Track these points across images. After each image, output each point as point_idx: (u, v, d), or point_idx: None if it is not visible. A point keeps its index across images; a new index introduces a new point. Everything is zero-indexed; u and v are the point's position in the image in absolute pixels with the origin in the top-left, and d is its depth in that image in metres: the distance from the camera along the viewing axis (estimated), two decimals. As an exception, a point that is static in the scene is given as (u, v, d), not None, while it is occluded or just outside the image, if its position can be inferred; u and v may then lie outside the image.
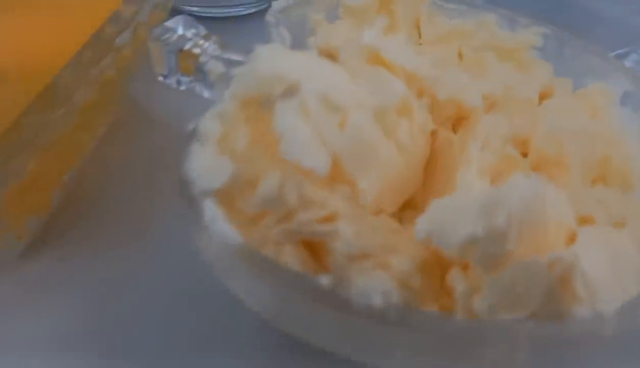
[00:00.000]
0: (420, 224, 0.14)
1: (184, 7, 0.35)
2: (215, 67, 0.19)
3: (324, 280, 0.14)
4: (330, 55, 0.20)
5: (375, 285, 0.15)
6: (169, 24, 0.20)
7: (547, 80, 0.22)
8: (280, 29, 0.21)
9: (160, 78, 0.21)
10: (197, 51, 0.20)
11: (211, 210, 0.14)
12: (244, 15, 0.36)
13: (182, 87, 0.21)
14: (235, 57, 0.20)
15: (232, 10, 0.35)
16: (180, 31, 0.20)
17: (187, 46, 0.20)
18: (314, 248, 0.17)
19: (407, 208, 0.19)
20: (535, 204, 0.14)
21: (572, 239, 0.16)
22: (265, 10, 0.34)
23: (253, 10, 0.36)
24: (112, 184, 0.24)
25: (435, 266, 0.16)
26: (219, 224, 0.14)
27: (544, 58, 0.23)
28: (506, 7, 0.32)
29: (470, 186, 0.16)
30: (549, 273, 0.14)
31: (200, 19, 0.35)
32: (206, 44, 0.20)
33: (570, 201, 0.16)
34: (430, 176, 0.20)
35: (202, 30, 0.20)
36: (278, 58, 0.16)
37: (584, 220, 0.16)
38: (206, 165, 0.15)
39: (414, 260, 0.16)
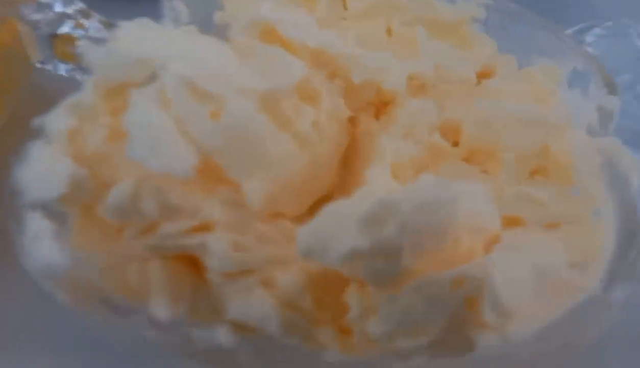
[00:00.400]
0: (301, 236, 0.12)
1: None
2: (87, 51, 0.16)
3: (163, 315, 0.11)
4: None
5: (253, 308, 0.13)
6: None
7: (489, 57, 0.19)
8: (174, 2, 0.18)
9: (38, 64, 0.18)
10: (76, 33, 0.17)
11: (35, 226, 0.12)
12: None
13: (64, 74, 0.18)
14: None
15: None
16: (57, 8, 0.17)
17: (65, 28, 0.17)
18: (195, 261, 0.14)
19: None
20: (439, 211, 0.11)
21: (492, 247, 0.13)
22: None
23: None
24: None
25: (333, 282, 0.13)
26: (41, 244, 0.11)
27: (487, 33, 0.20)
28: None
29: (373, 185, 0.13)
30: (453, 293, 0.11)
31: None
32: (87, 23, 0.17)
33: (495, 201, 0.14)
34: (349, 170, 0.17)
35: (81, 6, 0.17)
36: (144, 38, 0.14)
37: (511, 222, 0.14)
38: (42, 170, 0.12)
39: (305, 275, 0.13)
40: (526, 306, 0.11)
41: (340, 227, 0.11)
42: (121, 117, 0.14)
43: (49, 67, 0.18)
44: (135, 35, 0.14)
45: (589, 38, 0.30)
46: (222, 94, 0.13)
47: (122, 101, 0.14)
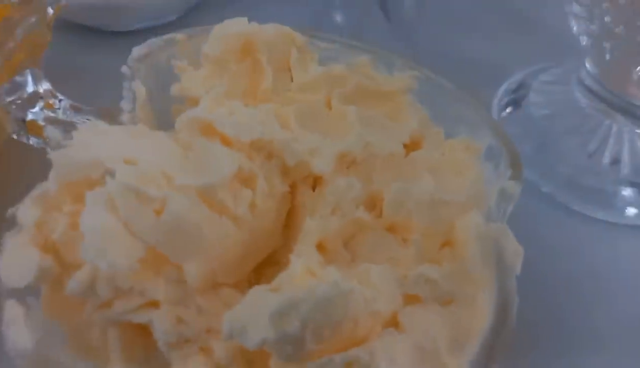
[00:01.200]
0: (225, 322, 0.14)
1: (88, 23, 0.34)
2: (54, 135, 0.18)
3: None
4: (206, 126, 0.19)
5: (191, 374, 0.15)
6: (17, 78, 0.20)
7: (418, 129, 0.22)
8: (133, 83, 0.20)
9: (13, 135, 0.20)
10: (45, 115, 0.19)
11: (10, 312, 0.14)
12: (160, 25, 0.35)
13: (35, 145, 0.20)
14: (86, 119, 0.19)
15: (141, 23, 0.34)
16: (29, 88, 0.20)
17: (36, 108, 0.19)
18: (147, 327, 0.17)
19: (270, 265, 0.19)
20: (335, 306, 0.14)
21: (392, 323, 0.16)
22: (182, 20, 0.33)
23: (169, 19, 0.35)
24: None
25: (259, 353, 0.16)
26: (15, 328, 0.14)
27: (420, 102, 0.22)
28: (454, 17, 0.32)
29: (295, 271, 0.16)
30: (346, 372, 0.14)
31: (104, 33, 0.34)
32: (57, 103, 0.20)
33: (399, 283, 0.16)
34: (292, 232, 0.20)
35: (49, 88, 0.20)
36: (96, 141, 0.16)
37: (411, 299, 0.16)
38: (14, 259, 0.15)
39: (236, 346, 0.16)
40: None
41: (255, 319, 0.14)
42: (81, 206, 0.16)
43: (22, 139, 0.20)
44: (88, 139, 0.16)
45: (545, 77, 0.32)
46: (161, 195, 0.15)
47: (81, 191, 0.17)
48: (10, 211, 0.16)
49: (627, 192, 0.28)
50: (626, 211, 0.27)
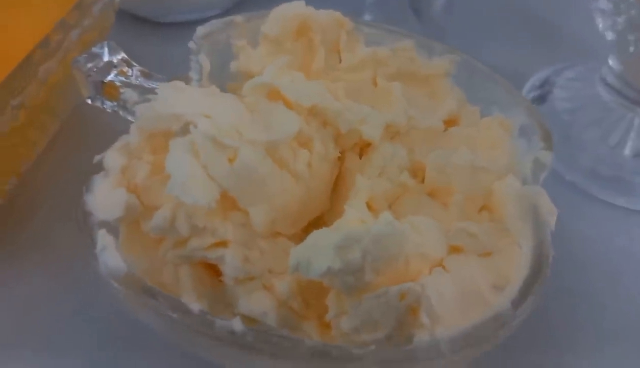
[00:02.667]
0: (292, 255, 0.16)
1: (141, 14, 0.36)
2: (131, 97, 0.20)
3: (194, 307, 0.15)
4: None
5: (256, 305, 0.17)
6: (95, 50, 0.22)
7: (455, 108, 0.23)
8: (200, 56, 0.22)
9: (87, 100, 0.22)
10: (119, 80, 0.21)
11: (102, 240, 0.16)
12: (204, 19, 0.38)
13: (108, 110, 0.22)
14: (155, 84, 0.21)
15: (187, 15, 0.37)
16: (105, 57, 0.22)
17: (111, 75, 0.21)
18: (214, 267, 0.18)
19: (316, 227, 0.21)
20: (390, 243, 0.16)
21: (438, 266, 0.17)
22: (224, 15, 0.36)
23: (215, 13, 0.37)
24: (52, 194, 0.26)
25: (316, 289, 0.18)
26: (108, 253, 0.16)
27: (457, 84, 0.24)
28: (481, 22, 0.34)
29: (349, 218, 0.18)
30: (400, 302, 0.16)
31: (155, 24, 0.37)
32: (130, 71, 0.22)
33: (444, 233, 0.18)
34: (338, 196, 0.22)
35: (125, 57, 0.22)
36: (177, 97, 0.18)
37: (454, 249, 0.18)
38: (104, 197, 0.17)
39: (296, 283, 0.17)
40: (452, 314, 0.16)
41: (320, 251, 0.16)
42: (159, 156, 0.18)
43: (97, 103, 0.22)
44: (171, 95, 0.18)
45: (570, 73, 0.34)
46: (235, 145, 0.17)
47: (160, 143, 0.19)
48: (97, 157, 0.18)
49: (647, 182, 0.29)
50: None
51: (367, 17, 0.40)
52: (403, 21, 0.40)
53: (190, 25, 0.37)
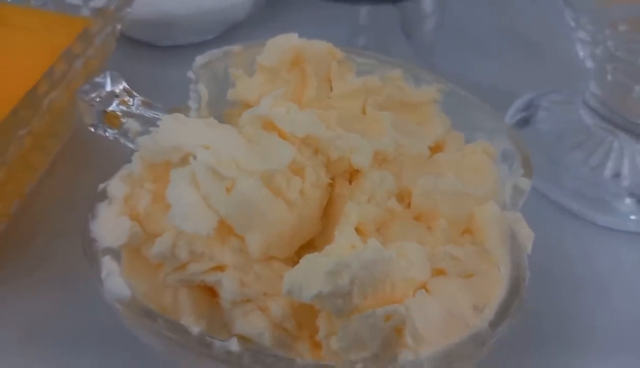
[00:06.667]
0: (285, 280, 0.17)
1: (138, 37, 0.38)
2: (133, 127, 0.21)
3: (194, 329, 0.16)
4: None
5: (252, 326, 0.18)
6: (98, 79, 0.23)
7: (442, 134, 0.25)
8: (198, 86, 0.23)
9: (90, 128, 0.23)
10: (121, 109, 0.22)
11: (107, 266, 0.17)
12: (199, 43, 0.39)
13: (110, 137, 0.23)
14: (155, 114, 0.22)
15: (184, 40, 0.38)
16: (108, 87, 0.23)
17: (113, 104, 0.23)
18: (212, 289, 0.19)
19: (308, 249, 0.22)
20: (377, 268, 0.17)
21: (422, 288, 0.18)
22: (219, 38, 0.37)
23: (211, 36, 0.39)
24: (55, 214, 0.27)
25: (309, 310, 0.19)
26: (112, 279, 0.17)
27: (444, 111, 0.25)
28: (469, 42, 0.35)
29: (339, 243, 0.19)
30: (385, 323, 0.17)
31: (154, 48, 0.38)
32: (131, 101, 0.23)
33: (427, 258, 0.19)
34: (328, 221, 0.23)
35: (126, 87, 0.23)
36: (178, 129, 0.19)
37: (438, 272, 0.19)
38: (108, 225, 0.18)
39: (289, 305, 0.19)
40: (434, 334, 0.17)
41: (311, 276, 0.17)
42: (160, 184, 0.20)
43: (99, 131, 0.23)
44: (172, 128, 0.19)
45: (545, 102, 0.35)
46: (233, 175, 0.18)
47: (160, 172, 0.20)
48: (101, 186, 0.19)
49: (627, 202, 0.31)
50: (627, 218, 0.30)
51: (360, 39, 0.42)
52: (394, 42, 0.41)
53: (187, 48, 0.38)
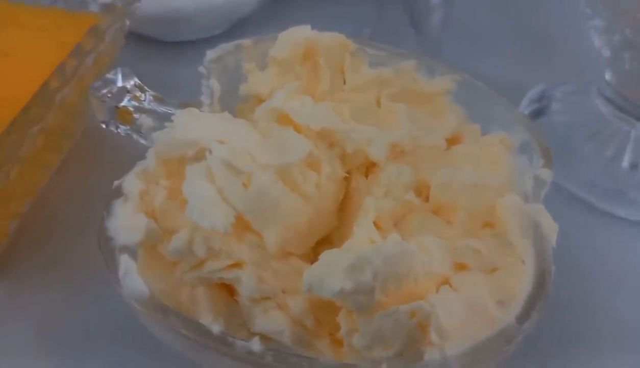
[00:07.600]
0: (305, 276, 0.17)
1: (146, 33, 0.37)
2: (145, 122, 0.21)
3: (214, 328, 0.16)
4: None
5: (272, 324, 0.18)
6: (109, 76, 0.23)
7: (457, 126, 0.24)
8: (210, 81, 0.23)
9: (102, 125, 0.23)
10: (133, 105, 0.22)
11: (125, 264, 0.17)
12: (206, 38, 0.39)
13: (122, 134, 0.23)
14: (168, 109, 0.22)
15: (191, 35, 0.37)
16: (119, 83, 0.23)
17: (125, 100, 0.22)
18: (229, 287, 0.19)
19: (325, 244, 0.22)
20: (399, 263, 0.16)
21: (445, 284, 0.18)
22: (226, 34, 0.36)
23: (219, 31, 0.38)
24: (67, 213, 0.26)
25: (329, 307, 0.18)
26: (131, 277, 0.16)
27: (458, 103, 0.25)
28: (477, 35, 0.34)
29: (359, 238, 0.18)
30: (410, 320, 0.16)
31: (161, 43, 0.37)
32: (143, 96, 0.22)
33: (449, 251, 0.19)
34: (345, 215, 0.22)
35: (138, 82, 0.22)
36: (193, 124, 0.19)
37: (459, 267, 0.19)
38: (124, 222, 0.17)
39: (308, 301, 0.18)
40: (459, 331, 0.16)
41: (332, 272, 0.16)
42: (174, 180, 0.19)
43: (111, 128, 0.23)
44: (186, 122, 0.19)
45: (558, 93, 0.35)
46: (249, 170, 0.18)
47: (174, 168, 0.19)
48: (116, 183, 0.19)
49: (645, 193, 0.30)
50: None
51: (367, 31, 0.41)
52: (402, 35, 0.41)
53: (194, 44, 0.38)
